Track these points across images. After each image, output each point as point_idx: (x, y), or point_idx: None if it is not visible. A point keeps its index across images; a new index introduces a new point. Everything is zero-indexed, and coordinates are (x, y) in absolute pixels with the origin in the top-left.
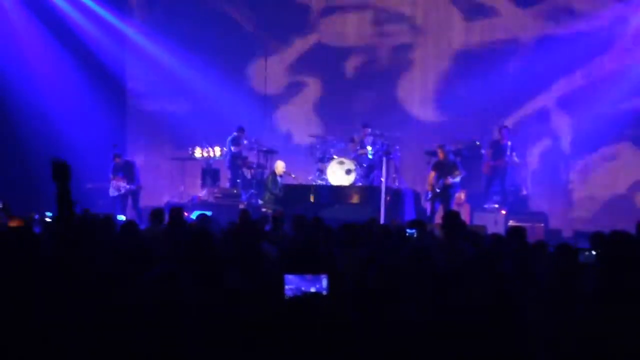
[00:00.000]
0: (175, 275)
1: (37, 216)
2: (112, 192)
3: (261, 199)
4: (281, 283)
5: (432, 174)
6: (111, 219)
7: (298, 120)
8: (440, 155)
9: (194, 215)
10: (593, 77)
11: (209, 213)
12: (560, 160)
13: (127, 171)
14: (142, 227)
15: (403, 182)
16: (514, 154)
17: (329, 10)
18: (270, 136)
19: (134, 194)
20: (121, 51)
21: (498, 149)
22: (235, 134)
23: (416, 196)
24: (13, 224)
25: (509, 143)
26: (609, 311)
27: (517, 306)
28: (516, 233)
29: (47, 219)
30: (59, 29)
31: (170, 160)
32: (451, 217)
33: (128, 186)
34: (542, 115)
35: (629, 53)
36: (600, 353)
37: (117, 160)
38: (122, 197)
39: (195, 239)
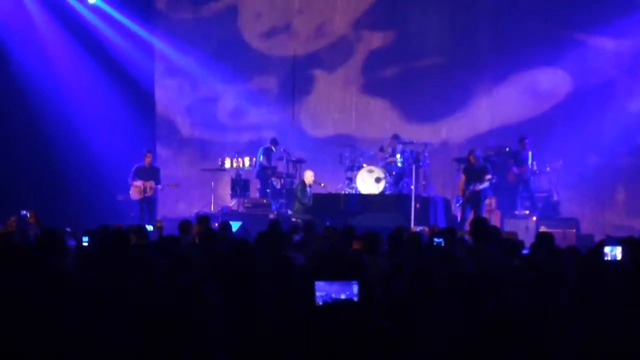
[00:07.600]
0: (199, 284)
1: (68, 229)
2: (135, 196)
3: (291, 209)
4: (312, 290)
5: (463, 178)
6: (143, 230)
7: (326, 129)
8: (471, 160)
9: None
10: None
11: (238, 223)
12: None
13: (153, 176)
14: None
15: (432, 189)
16: (534, 163)
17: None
18: (298, 145)
19: (153, 202)
20: (150, 62)
21: (519, 159)
22: (268, 145)
23: (446, 203)
24: None
25: (530, 153)
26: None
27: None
28: (544, 239)
29: (85, 243)
30: (87, 40)
31: (200, 171)
32: (479, 224)
33: (159, 186)
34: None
35: None
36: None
37: (147, 160)
38: (146, 202)
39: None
